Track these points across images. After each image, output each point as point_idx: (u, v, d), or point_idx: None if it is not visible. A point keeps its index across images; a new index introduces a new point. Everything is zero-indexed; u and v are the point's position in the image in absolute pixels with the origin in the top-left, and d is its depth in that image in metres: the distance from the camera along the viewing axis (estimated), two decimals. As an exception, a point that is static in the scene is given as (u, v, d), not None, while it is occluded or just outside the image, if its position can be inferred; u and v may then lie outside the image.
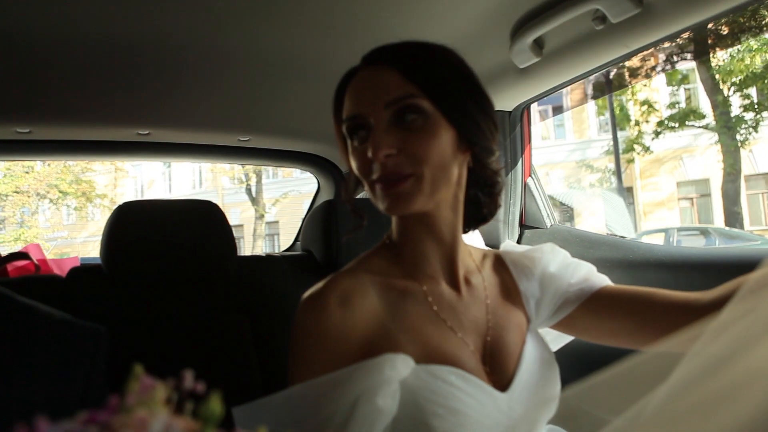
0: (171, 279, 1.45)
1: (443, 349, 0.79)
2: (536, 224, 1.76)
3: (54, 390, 0.83)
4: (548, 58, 1.35)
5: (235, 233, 1.62)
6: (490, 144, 0.84)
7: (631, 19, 1.12)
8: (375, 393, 0.70)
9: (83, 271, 1.44)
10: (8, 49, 1.25)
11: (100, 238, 1.41)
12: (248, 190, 17.21)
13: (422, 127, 0.77)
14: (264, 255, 1.78)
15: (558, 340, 1.01)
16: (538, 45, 1.32)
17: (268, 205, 17.61)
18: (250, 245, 17.28)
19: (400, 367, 0.73)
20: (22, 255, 1.67)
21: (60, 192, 17.04)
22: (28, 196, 17.15)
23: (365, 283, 0.82)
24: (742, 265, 1.14)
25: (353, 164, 0.82)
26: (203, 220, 1.48)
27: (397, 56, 0.79)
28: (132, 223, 1.40)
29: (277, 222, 19.55)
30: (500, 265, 0.96)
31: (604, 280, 0.91)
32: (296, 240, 2.36)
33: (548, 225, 1.75)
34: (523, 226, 1.78)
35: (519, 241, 1.77)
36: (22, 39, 1.21)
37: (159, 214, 1.45)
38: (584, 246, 1.53)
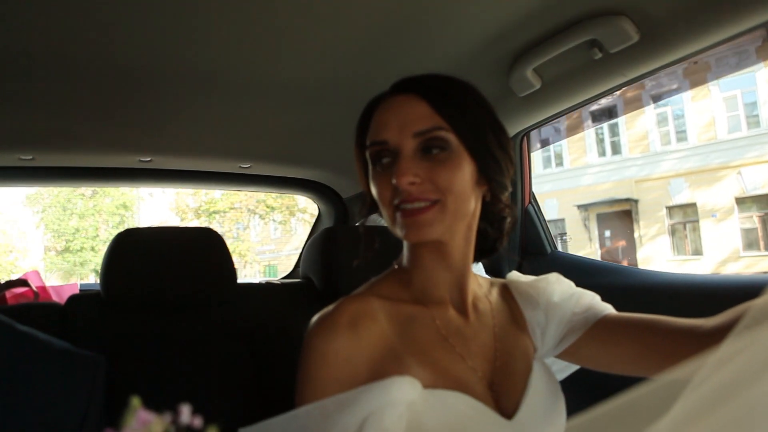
0: (170, 307, 1.44)
1: (451, 374, 0.80)
2: (537, 251, 1.76)
3: (52, 420, 0.82)
4: (547, 87, 1.37)
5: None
6: (505, 180, 0.86)
7: (628, 48, 1.14)
8: (382, 415, 0.70)
9: (82, 299, 1.42)
10: (11, 76, 1.27)
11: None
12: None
13: (446, 159, 0.78)
14: (264, 282, 1.77)
15: (565, 370, 1.01)
16: (538, 73, 1.33)
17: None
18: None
19: (408, 390, 0.74)
20: (21, 282, 1.67)
21: (267, 207, 18.25)
22: (241, 212, 18.69)
23: (374, 307, 0.83)
24: (745, 292, 1.13)
25: (373, 189, 0.83)
26: (203, 247, 1.48)
27: (427, 88, 0.81)
28: (132, 250, 1.40)
29: None
30: (507, 294, 0.97)
31: (607, 308, 0.91)
32: (296, 266, 2.35)
33: (548, 251, 1.74)
34: (523, 252, 1.78)
35: (520, 268, 1.76)
36: (24, 67, 1.23)
37: (159, 241, 1.44)
38: (585, 273, 1.52)
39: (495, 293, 0.96)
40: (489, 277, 1.02)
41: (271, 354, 1.50)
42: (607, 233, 16.33)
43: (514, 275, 1.00)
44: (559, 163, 17.48)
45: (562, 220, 16.96)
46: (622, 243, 15.90)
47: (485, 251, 0.94)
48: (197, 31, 1.13)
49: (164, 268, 1.41)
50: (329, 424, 0.72)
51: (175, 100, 1.50)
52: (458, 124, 0.79)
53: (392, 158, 0.80)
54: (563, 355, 0.92)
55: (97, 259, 20.99)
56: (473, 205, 0.83)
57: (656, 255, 15.07)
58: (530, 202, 1.78)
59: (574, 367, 1.00)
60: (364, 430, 0.70)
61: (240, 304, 1.54)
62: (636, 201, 15.58)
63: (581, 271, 1.54)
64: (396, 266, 0.92)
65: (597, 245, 16.37)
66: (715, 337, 0.69)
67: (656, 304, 1.32)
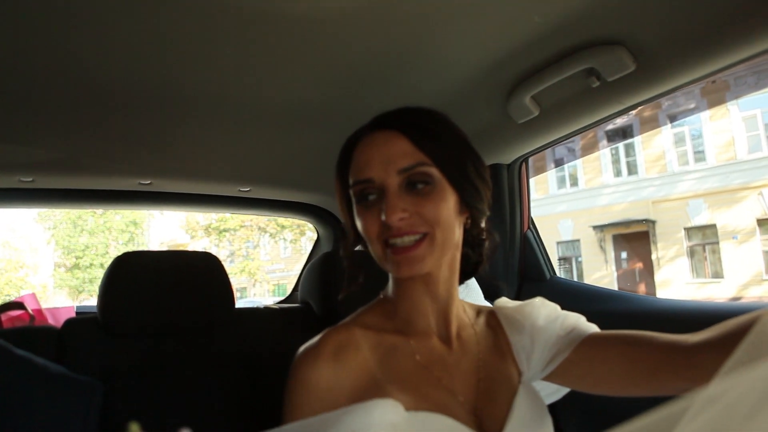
0: (167, 331, 1.43)
1: (432, 398, 0.82)
2: (535, 276, 1.73)
3: None
4: (545, 114, 1.36)
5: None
6: (484, 206, 0.88)
7: (625, 77, 1.13)
8: None
9: (78, 323, 1.41)
10: (11, 98, 1.28)
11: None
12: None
13: (431, 192, 0.81)
14: (262, 307, 1.76)
15: (555, 393, 1.02)
16: (536, 101, 1.33)
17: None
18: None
19: (390, 412, 0.76)
20: (17, 305, 1.67)
21: (278, 225, 18.48)
22: (251, 230, 19.04)
23: (357, 338, 0.86)
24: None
25: (359, 225, 0.84)
26: (202, 272, 1.47)
27: (407, 124, 0.83)
28: (129, 274, 1.39)
29: None
30: (493, 320, 0.98)
31: (592, 328, 0.92)
32: (294, 290, 2.34)
33: (548, 277, 1.72)
34: (522, 278, 1.75)
35: (519, 294, 1.74)
36: (25, 89, 1.24)
37: (157, 265, 1.43)
38: (583, 299, 1.51)
39: (481, 321, 0.97)
40: (477, 305, 1.03)
41: (269, 379, 1.47)
42: (624, 255, 15.98)
43: (502, 301, 1.01)
44: (574, 183, 17.27)
45: (578, 241, 16.75)
46: (639, 265, 15.57)
47: (467, 274, 0.96)
48: (197, 56, 1.14)
49: (162, 293, 1.40)
50: None
51: (175, 124, 1.51)
52: (439, 158, 0.81)
53: (378, 195, 0.81)
54: (552, 378, 0.92)
55: None
56: (458, 234, 0.86)
57: (675, 277, 14.61)
58: (529, 228, 1.76)
59: (564, 390, 1.01)
60: None
61: (238, 329, 1.52)
62: (653, 222, 15.22)
63: (580, 297, 1.53)
64: (382, 296, 0.94)
65: (613, 267, 16.05)
66: (698, 352, 0.72)
67: (657, 330, 1.30)
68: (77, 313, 1.92)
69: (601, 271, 16.12)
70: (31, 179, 1.78)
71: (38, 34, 1.02)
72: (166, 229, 23.39)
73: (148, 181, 1.91)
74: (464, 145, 0.86)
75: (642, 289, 15.19)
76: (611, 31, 1.06)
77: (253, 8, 0.96)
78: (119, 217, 21.07)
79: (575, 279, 16.40)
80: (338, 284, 1.58)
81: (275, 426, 1.37)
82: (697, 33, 0.99)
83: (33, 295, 1.76)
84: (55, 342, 1.36)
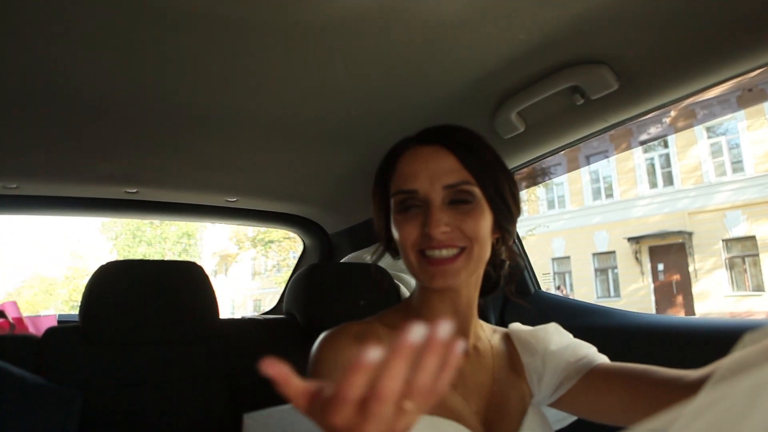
0: (149, 342, 1.41)
1: (446, 404, 0.84)
2: (520, 291, 1.75)
3: None
4: (531, 130, 1.38)
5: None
6: (513, 228, 0.93)
7: (609, 95, 1.16)
8: None
9: (59, 332, 1.39)
10: None
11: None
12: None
13: (472, 210, 0.85)
14: (246, 318, 1.75)
15: (562, 421, 1.04)
16: (522, 117, 1.35)
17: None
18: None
19: None
20: (-4, 313, 1.64)
21: None
22: (295, 241, 18.83)
23: (378, 331, 0.90)
24: (725, 336, 1.14)
25: (396, 233, 0.87)
26: (185, 282, 1.46)
27: (455, 142, 0.87)
28: (113, 283, 1.38)
29: None
30: (507, 341, 1.01)
31: (601, 358, 0.94)
32: (280, 302, 2.33)
33: (532, 291, 1.74)
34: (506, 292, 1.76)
35: (503, 308, 1.75)
36: (10, 97, 1.23)
37: (140, 275, 1.42)
38: (567, 313, 1.52)
39: (497, 339, 1.01)
40: (492, 325, 1.06)
41: (251, 391, 1.47)
42: (661, 266, 15.87)
43: (516, 325, 1.04)
44: (609, 195, 17.23)
45: (613, 252, 16.67)
46: (676, 277, 15.41)
47: (485, 292, 0.99)
48: (184, 66, 1.14)
49: (145, 304, 1.39)
50: None
51: (161, 133, 1.50)
52: (482, 179, 0.86)
53: (420, 206, 0.85)
54: (559, 404, 0.94)
55: None
56: (488, 253, 0.89)
57: (713, 290, 14.41)
58: (514, 242, 1.77)
59: (572, 418, 1.03)
60: None
61: (221, 340, 1.51)
62: (690, 234, 15.04)
63: (563, 312, 1.55)
64: (406, 301, 0.99)
65: (650, 279, 15.94)
66: (698, 389, 0.74)
67: (636, 345, 1.33)
68: (59, 322, 1.89)
69: (637, 283, 15.99)
70: (15, 186, 1.76)
71: (24, 43, 1.01)
72: (216, 240, 23.78)
73: (135, 190, 1.90)
74: (503, 167, 0.91)
75: (680, 301, 15.06)
76: (595, 50, 1.09)
77: (242, 20, 0.97)
78: (174, 228, 21.82)
79: (611, 291, 16.53)
80: (323, 296, 1.60)
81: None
82: (678, 54, 1.03)
83: (14, 303, 1.73)
84: (34, 351, 1.34)
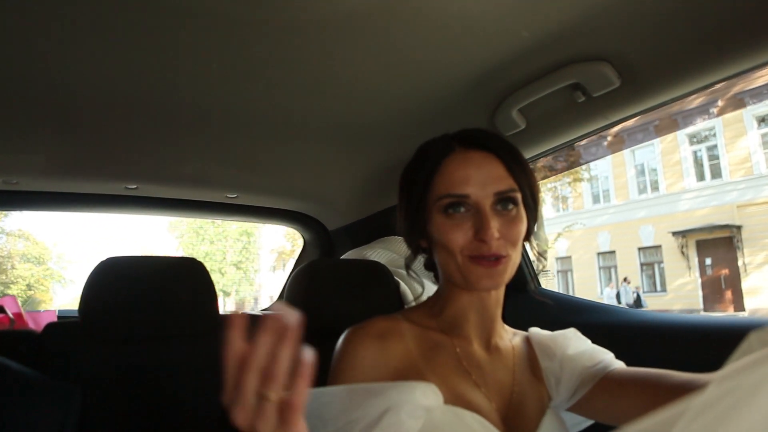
0: (149, 338, 1.41)
1: (467, 398, 0.86)
2: (521, 288, 1.75)
3: None
4: (532, 127, 1.38)
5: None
6: (535, 233, 0.95)
7: (610, 93, 1.16)
8: (402, 409, 0.76)
9: (59, 327, 1.39)
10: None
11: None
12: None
13: (515, 217, 0.87)
14: (246, 314, 1.75)
15: (579, 425, 1.05)
16: (523, 114, 1.35)
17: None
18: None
19: (430, 395, 0.80)
20: (-4, 308, 1.64)
21: None
22: None
23: (403, 328, 0.91)
24: (729, 334, 1.14)
25: (442, 235, 0.87)
26: (185, 278, 1.46)
27: (502, 150, 0.89)
28: (113, 278, 1.37)
29: (569, 257, 19.23)
30: (527, 344, 1.03)
31: (617, 364, 0.96)
32: (279, 298, 2.33)
33: (532, 289, 1.74)
34: (507, 289, 1.76)
35: (504, 306, 1.75)
36: (9, 92, 1.23)
37: (140, 271, 1.42)
38: (566, 310, 1.52)
39: (517, 340, 1.02)
40: (512, 329, 1.07)
41: None
42: (708, 261, 15.67)
43: (535, 330, 1.06)
44: (655, 188, 17.13)
45: (659, 246, 16.58)
46: (725, 271, 15.21)
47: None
48: (185, 62, 1.14)
49: (144, 299, 1.39)
50: (352, 406, 0.78)
51: (161, 130, 1.50)
52: (523, 188, 0.89)
53: (468, 211, 0.86)
54: (576, 408, 0.96)
55: (224, 281, 23.59)
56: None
57: (764, 285, 14.10)
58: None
59: (588, 422, 1.04)
60: (383, 418, 0.76)
61: (221, 336, 1.51)
62: (738, 227, 14.77)
63: (563, 309, 1.55)
64: (433, 298, 1.00)
65: (697, 273, 15.83)
66: None
67: (636, 343, 1.33)
68: (59, 317, 1.89)
69: (683, 278, 15.87)
70: (15, 181, 1.76)
71: (24, 38, 1.01)
72: (273, 237, 24.48)
73: (135, 186, 1.89)
74: (533, 175, 0.93)
75: (728, 296, 14.87)
76: (597, 47, 1.09)
77: (242, 17, 0.97)
78: (235, 226, 22.70)
79: (657, 286, 16.47)
80: (322, 293, 1.59)
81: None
82: (681, 51, 1.03)
83: (13, 298, 1.73)
84: (34, 346, 1.34)
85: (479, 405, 0.86)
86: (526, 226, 0.90)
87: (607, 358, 0.96)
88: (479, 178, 0.86)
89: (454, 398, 0.84)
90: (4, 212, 21.78)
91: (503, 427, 0.86)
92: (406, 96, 1.33)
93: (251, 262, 24.87)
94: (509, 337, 1.01)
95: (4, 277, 22.75)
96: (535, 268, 1.77)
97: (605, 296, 16.00)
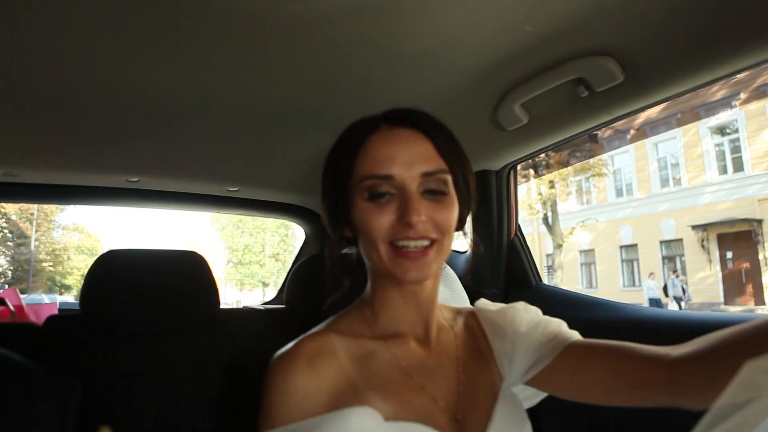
0: (150, 330, 1.42)
1: (413, 406, 0.80)
2: (522, 283, 1.75)
3: None
4: (535, 122, 1.38)
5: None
6: (465, 223, 0.89)
7: (613, 88, 1.16)
8: None
9: (60, 320, 1.39)
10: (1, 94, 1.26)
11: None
12: (545, 219, 17.17)
13: (444, 200, 0.80)
14: (247, 308, 1.75)
15: (533, 397, 0.99)
16: (526, 109, 1.35)
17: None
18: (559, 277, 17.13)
19: (367, 420, 0.74)
20: (-2, 300, 1.64)
21: None
22: None
23: (333, 344, 0.83)
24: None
25: (363, 222, 0.80)
26: (186, 271, 1.46)
27: (432, 128, 0.82)
28: (114, 271, 1.38)
29: (592, 250, 19.32)
30: (473, 322, 0.96)
31: (574, 335, 0.90)
32: (281, 292, 2.34)
33: (533, 284, 1.73)
34: (508, 285, 1.76)
35: (505, 300, 1.75)
36: (10, 85, 1.23)
37: (141, 264, 1.42)
38: (569, 306, 1.52)
39: (460, 323, 0.96)
40: (454, 307, 1.01)
41: (252, 381, 1.47)
42: (729, 254, 15.47)
43: (483, 303, 0.99)
44: (677, 182, 17.04)
45: (680, 240, 16.52)
46: (746, 265, 15.04)
47: None
48: (185, 56, 1.13)
49: (145, 292, 1.39)
50: None
51: (162, 123, 1.50)
52: (454, 168, 0.82)
53: (394, 194, 0.79)
54: (532, 383, 0.90)
55: (263, 272, 24.31)
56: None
57: None
58: (516, 235, 1.77)
59: (543, 395, 0.98)
60: None
61: (222, 330, 1.51)
62: (759, 221, 14.61)
63: (566, 305, 1.54)
64: (360, 302, 0.91)
65: (718, 267, 15.64)
66: (680, 366, 0.71)
67: (640, 339, 1.32)
68: (60, 310, 1.89)
69: (704, 271, 15.78)
70: (16, 173, 1.76)
71: (24, 32, 1.01)
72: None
73: (136, 179, 1.89)
74: (467, 158, 0.86)
75: (749, 290, 14.84)
76: (600, 42, 1.08)
77: (242, 10, 0.96)
78: (272, 219, 22.58)
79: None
80: (323, 286, 1.60)
81: (254, 427, 1.39)
82: (684, 47, 1.02)
83: (14, 290, 1.73)
84: (35, 339, 1.34)
85: (427, 410, 0.80)
86: (458, 212, 0.83)
87: (562, 329, 0.90)
88: (405, 157, 0.78)
89: (398, 409, 0.78)
90: (60, 207, 23.24)
91: (455, 425, 0.82)
92: (409, 90, 1.32)
93: (289, 254, 25.06)
94: (449, 322, 0.95)
95: (60, 268, 24.37)
96: (535, 262, 1.77)
97: (645, 287, 15.66)
